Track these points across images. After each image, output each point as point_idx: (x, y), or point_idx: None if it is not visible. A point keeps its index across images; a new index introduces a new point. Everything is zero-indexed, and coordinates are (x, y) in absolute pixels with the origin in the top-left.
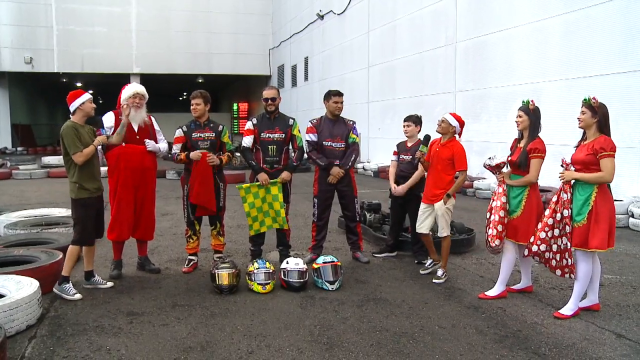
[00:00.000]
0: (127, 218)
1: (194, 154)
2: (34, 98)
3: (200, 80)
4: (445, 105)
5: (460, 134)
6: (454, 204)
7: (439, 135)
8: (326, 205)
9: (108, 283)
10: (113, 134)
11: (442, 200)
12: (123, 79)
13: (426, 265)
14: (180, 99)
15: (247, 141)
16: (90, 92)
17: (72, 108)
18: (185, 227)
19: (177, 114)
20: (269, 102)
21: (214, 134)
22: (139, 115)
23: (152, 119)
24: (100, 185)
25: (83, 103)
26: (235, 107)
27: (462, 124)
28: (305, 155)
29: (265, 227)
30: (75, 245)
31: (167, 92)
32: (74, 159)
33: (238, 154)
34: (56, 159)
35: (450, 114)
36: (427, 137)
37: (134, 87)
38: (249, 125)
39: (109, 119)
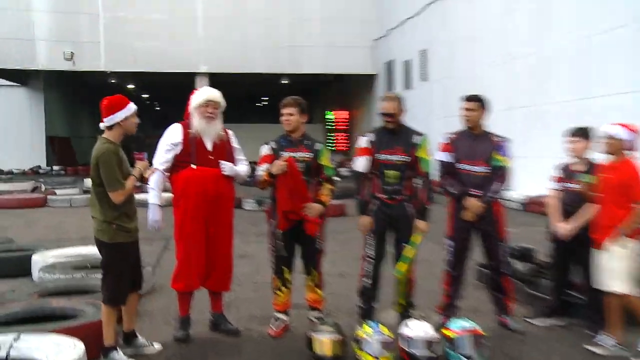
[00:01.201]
0: (197, 261)
1: (277, 166)
2: (74, 104)
3: (284, 82)
4: (621, 110)
5: (634, 149)
6: (635, 249)
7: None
8: (463, 250)
9: (155, 345)
10: (181, 153)
11: (610, 242)
12: (186, 80)
13: (597, 339)
14: (259, 105)
15: (361, 164)
16: (145, 95)
17: (110, 121)
18: (272, 274)
19: (254, 126)
20: (386, 117)
21: (310, 154)
22: (212, 128)
23: (230, 133)
24: (137, 223)
25: (126, 118)
26: (329, 116)
27: (637, 134)
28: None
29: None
30: (110, 306)
31: (242, 96)
32: (113, 197)
33: (338, 178)
34: None
35: (617, 124)
36: (591, 162)
37: (207, 93)
38: (363, 142)
39: (175, 133)
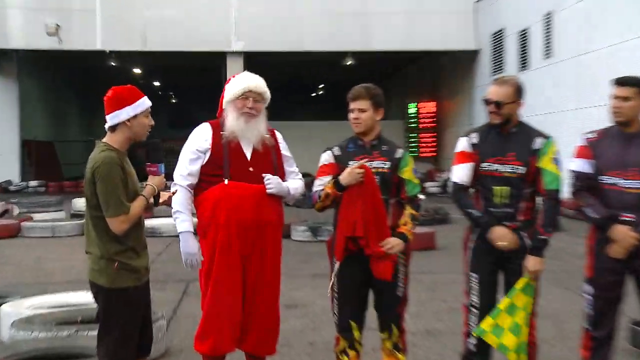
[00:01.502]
0: (230, 313)
1: (350, 174)
2: (60, 96)
3: (348, 63)
4: None
5: None
6: None
7: None
8: (611, 300)
9: None
10: (210, 163)
11: None
12: (214, 63)
13: None
14: (313, 96)
15: (460, 174)
16: (157, 84)
17: (113, 120)
18: (335, 332)
19: (308, 124)
20: (490, 107)
21: (388, 164)
22: (253, 129)
23: (278, 136)
24: (148, 259)
25: (135, 117)
26: (412, 109)
27: None
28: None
29: (498, 341)
30: None
31: (290, 84)
32: (114, 225)
33: (423, 197)
34: None
35: None
36: None
37: (246, 80)
38: (463, 144)
39: (202, 137)
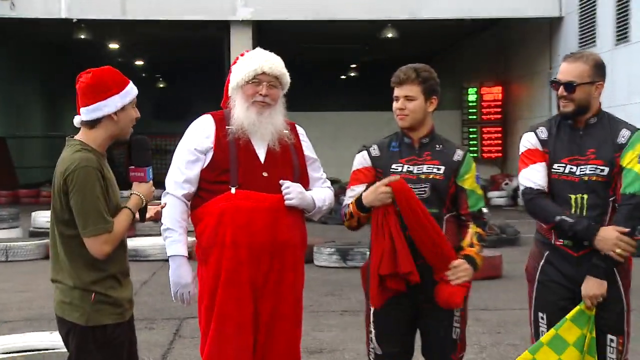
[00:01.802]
0: (238, 356)
1: (373, 193)
2: (14, 79)
3: (389, 35)
4: None
5: None
6: None
7: None
8: None
9: None
10: (212, 167)
11: None
12: (214, 35)
13: None
14: (343, 78)
15: (535, 176)
16: (139, 63)
17: (96, 113)
18: None
19: (336, 116)
20: (561, 90)
21: (442, 169)
22: (268, 122)
23: (299, 131)
24: (132, 289)
25: (124, 108)
26: (471, 96)
27: None
28: None
29: None
30: None
31: (314, 64)
32: (94, 247)
33: (486, 210)
34: None
35: None
36: None
37: (257, 60)
38: (531, 141)
39: (202, 132)
